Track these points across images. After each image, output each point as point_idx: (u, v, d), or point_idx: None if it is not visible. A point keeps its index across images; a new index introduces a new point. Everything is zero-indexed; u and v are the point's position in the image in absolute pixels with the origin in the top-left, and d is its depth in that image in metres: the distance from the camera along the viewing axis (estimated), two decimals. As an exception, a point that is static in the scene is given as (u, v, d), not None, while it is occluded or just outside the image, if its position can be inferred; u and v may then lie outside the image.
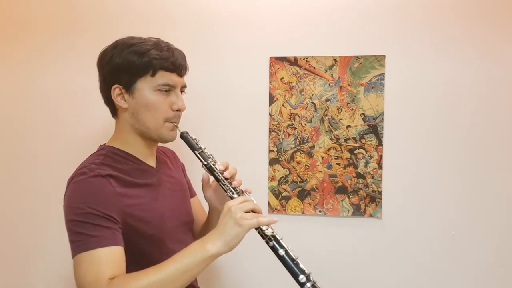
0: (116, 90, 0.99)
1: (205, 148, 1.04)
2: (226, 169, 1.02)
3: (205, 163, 1.02)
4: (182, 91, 1.07)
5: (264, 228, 0.91)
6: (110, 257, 0.86)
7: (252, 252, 1.44)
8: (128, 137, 1.03)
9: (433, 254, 1.36)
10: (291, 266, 0.89)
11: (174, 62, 1.00)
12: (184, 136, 1.05)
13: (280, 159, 1.41)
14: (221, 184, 1.00)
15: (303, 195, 1.40)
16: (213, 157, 1.03)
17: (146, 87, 0.98)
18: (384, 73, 1.35)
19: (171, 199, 1.07)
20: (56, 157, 1.50)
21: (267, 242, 0.92)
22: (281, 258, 0.90)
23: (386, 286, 1.38)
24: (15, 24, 1.49)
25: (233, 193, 0.98)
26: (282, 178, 1.41)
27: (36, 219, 1.52)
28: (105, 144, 1.06)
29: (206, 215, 1.22)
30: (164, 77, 0.99)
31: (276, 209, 1.42)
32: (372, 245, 1.38)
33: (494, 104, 1.31)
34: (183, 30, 1.42)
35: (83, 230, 0.87)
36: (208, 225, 1.17)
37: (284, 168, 1.41)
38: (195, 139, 1.05)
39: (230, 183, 1.00)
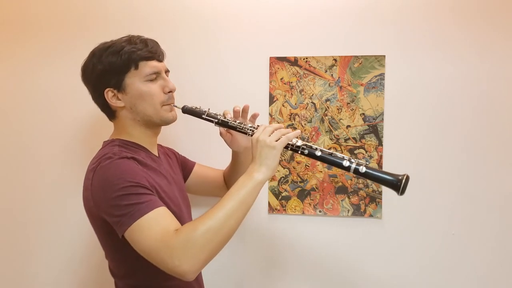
0: (109, 93, 1.05)
1: (209, 109, 1.12)
2: (236, 114, 1.12)
3: (215, 120, 1.09)
4: (166, 75, 1.12)
5: (293, 141, 1.00)
6: (165, 214, 0.91)
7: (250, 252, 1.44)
8: (132, 131, 1.08)
9: (433, 254, 1.36)
10: (331, 159, 0.98)
11: (150, 50, 1.06)
12: (186, 109, 1.13)
13: (280, 159, 1.41)
14: (239, 129, 1.08)
15: (303, 195, 1.40)
16: (219, 113, 1.11)
17: (135, 80, 1.04)
18: (384, 73, 1.35)
19: (175, 185, 1.13)
20: (57, 156, 1.50)
21: (301, 152, 1.00)
22: (319, 158, 0.99)
23: (386, 286, 1.38)
24: (16, 24, 1.50)
25: (252, 130, 1.05)
26: (282, 178, 1.41)
27: (38, 218, 1.52)
28: (110, 138, 1.09)
29: (217, 170, 1.35)
30: (147, 66, 1.05)
31: (276, 209, 1.42)
32: (372, 245, 1.38)
33: (494, 103, 1.31)
34: (183, 30, 1.42)
35: (131, 201, 0.89)
36: (235, 170, 1.26)
37: (284, 168, 1.41)
38: (196, 107, 1.13)
39: (246, 125, 1.08)
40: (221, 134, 1.17)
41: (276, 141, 0.96)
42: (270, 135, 0.97)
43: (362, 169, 0.95)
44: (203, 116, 1.10)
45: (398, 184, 0.92)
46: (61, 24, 1.48)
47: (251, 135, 1.03)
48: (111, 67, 1.03)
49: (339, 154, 0.98)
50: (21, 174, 1.52)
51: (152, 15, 1.43)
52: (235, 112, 1.12)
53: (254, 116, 1.16)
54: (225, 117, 1.09)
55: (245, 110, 1.13)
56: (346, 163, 0.96)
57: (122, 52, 1.02)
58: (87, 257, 1.51)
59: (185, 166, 1.32)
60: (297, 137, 1.01)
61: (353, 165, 0.96)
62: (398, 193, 0.93)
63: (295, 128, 1.39)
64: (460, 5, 1.31)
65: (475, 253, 1.34)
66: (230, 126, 1.08)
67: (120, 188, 0.90)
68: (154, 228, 0.87)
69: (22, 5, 1.49)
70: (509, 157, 1.31)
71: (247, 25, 1.40)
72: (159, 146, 1.26)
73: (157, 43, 1.11)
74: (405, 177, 0.92)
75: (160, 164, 1.11)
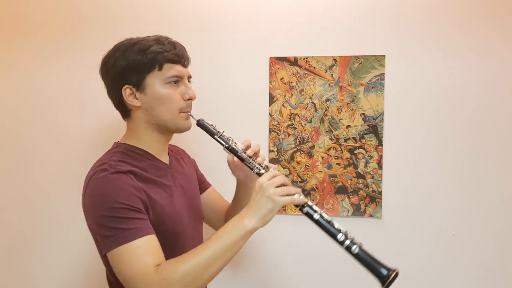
0: (127, 91, 1.01)
1: (224, 131, 1.05)
2: (247, 147, 1.04)
3: (226, 145, 1.03)
4: (189, 81, 1.09)
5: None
6: (149, 245, 0.88)
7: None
8: (143, 135, 1.05)
9: (433, 254, 1.36)
10: (328, 227, 0.92)
11: (177, 53, 1.03)
12: (201, 123, 1.07)
13: (280, 159, 1.41)
14: (246, 163, 1.02)
15: (303, 195, 1.40)
16: (232, 139, 1.05)
17: (156, 81, 1.01)
18: (384, 73, 1.35)
19: (184, 195, 1.10)
20: (56, 156, 1.50)
21: (301, 209, 0.95)
22: (316, 221, 0.93)
23: (386, 286, 1.38)
24: (16, 24, 1.49)
25: (259, 170, 1.00)
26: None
27: (37, 219, 1.52)
28: (119, 141, 1.07)
29: (225, 201, 1.28)
30: (171, 69, 1.02)
31: (276, 209, 1.41)
32: (372, 245, 1.38)
33: (494, 103, 1.31)
34: (183, 30, 1.42)
35: (117, 225, 0.88)
36: (237, 201, 1.20)
37: (284, 168, 1.41)
38: (212, 124, 1.07)
39: (254, 160, 1.02)
40: (228, 162, 1.10)
41: (280, 196, 0.91)
42: (276, 187, 0.91)
43: (355, 249, 0.90)
44: (215, 136, 1.04)
45: (385, 279, 0.86)
46: (60, 24, 1.47)
47: (256, 173, 1.00)
48: (135, 65, 0.99)
49: (336, 225, 0.93)
50: (19, 174, 1.52)
51: (152, 15, 1.43)
52: (255, 147, 1.04)
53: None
54: (236, 145, 1.03)
55: (257, 153, 1.05)
56: (340, 237, 0.91)
57: (149, 51, 0.99)
58: (89, 264, 1.50)
59: (200, 184, 1.26)
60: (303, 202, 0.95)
61: (347, 242, 0.90)
62: (382, 286, 0.87)
63: (294, 129, 1.39)
64: (460, 5, 1.31)
65: (475, 253, 1.34)
66: (239, 156, 1.02)
67: (108, 208, 0.89)
68: (135, 259, 0.86)
69: (20, 5, 1.49)
70: (509, 157, 1.31)
71: (247, 25, 1.40)
72: (180, 150, 1.25)
73: (184, 47, 1.08)
74: (394, 273, 0.87)
75: (166, 173, 1.07)
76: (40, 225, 1.52)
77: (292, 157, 1.41)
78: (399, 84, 1.35)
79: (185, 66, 1.07)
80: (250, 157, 1.02)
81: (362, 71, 1.36)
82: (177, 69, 1.03)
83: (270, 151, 1.41)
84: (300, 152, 1.40)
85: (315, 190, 1.40)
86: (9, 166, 1.53)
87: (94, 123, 1.47)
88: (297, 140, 1.40)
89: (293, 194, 0.94)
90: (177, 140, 1.30)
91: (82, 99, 1.47)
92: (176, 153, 1.20)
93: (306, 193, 1.40)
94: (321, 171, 1.39)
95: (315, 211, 0.94)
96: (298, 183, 1.40)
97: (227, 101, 1.42)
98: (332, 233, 0.92)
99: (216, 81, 1.42)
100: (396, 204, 1.37)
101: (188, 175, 1.17)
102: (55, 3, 1.47)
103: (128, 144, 1.04)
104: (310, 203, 0.96)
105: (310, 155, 1.40)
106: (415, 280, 1.37)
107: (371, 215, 1.38)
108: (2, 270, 1.54)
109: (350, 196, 1.39)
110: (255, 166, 1.01)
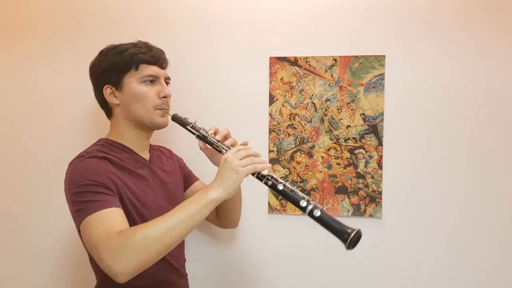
0: (107, 90, 1.11)
1: (195, 122, 1.13)
2: (216, 132, 1.10)
3: (197, 133, 1.10)
4: (167, 83, 1.16)
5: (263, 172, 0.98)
6: (115, 216, 0.93)
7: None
8: (123, 131, 1.13)
9: (433, 254, 1.36)
10: (291, 195, 0.96)
11: (154, 55, 1.12)
12: (175, 117, 1.15)
13: (280, 159, 1.41)
14: (215, 147, 1.08)
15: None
16: (204, 128, 1.11)
17: (132, 80, 1.09)
18: (384, 73, 1.34)
19: (160, 189, 1.15)
20: (54, 155, 1.50)
21: (265, 182, 0.98)
22: (281, 191, 0.96)
23: (386, 286, 1.38)
24: (14, 24, 1.50)
25: (226, 150, 1.05)
26: (282, 178, 1.41)
27: (36, 218, 1.52)
28: (101, 138, 1.15)
29: None
30: (147, 69, 1.10)
31: (276, 209, 1.42)
32: (372, 245, 1.38)
33: (494, 103, 1.31)
34: (183, 30, 1.42)
35: (85, 198, 0.94)
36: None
37: (284, 168, 1.41)
38: (185, 118, 1.15)
39: (223, 143, 1.07)
40: (200, 148, 1.15)
41: (243, 167, 0.94)
42: (240, 159, 0.95)
43: (317, 212, 0.92)
44: (187, 127, 1.12)
45: (345, 237, 0.89)
46: (60, 23, 1.48)
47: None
48: (113, 65, 1.09)
49: (300, 193, 0.96)
50: (18, 174, 1.52)
51: (151, 15, 1.43)
52: (223, 130, 1.11)
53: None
54: (206, 133, 1.09)
55: (227, 136, 1.12)
56: (303, 203, 0.93)
57: (126, 53, 1.08)
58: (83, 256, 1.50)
59: (187, 179, 1.31)
60: (267, 170, 0.98)
61: (310, 207, 0.93)
62: (345, 246, 0.90)
63: (294, 129, 1.39)
64: (460, 5, 1.31)
65: (475, 253, 1.34)
66: (208, 142, 1.09)
67: (79, 185, 0.95)
68: (100, 226, 0.90)
69: (20, 5, 1.49)
70: (509, 157, 1.31)
71: (247, 25, 1.40)
72: (166, 150, 1.29)
73: (162, 51, 1.17)
74: (354, 232, 0.89)
75: (144, 166, 1.13)
76: (39, 225, 1.52)
77: (292, 157, 1.41)
78: (399, 84, 1.35)
79: (162, 68, 1.16)
80: (218, 141, 1.07)
81: (362, 71, 1.36)
82: (153, 69, 1.11)
83: (270, 151, 1.41)
84: (300, 152, 1.40)
85: (315, 190, 1.40)
86: (8, 166, 1.53)
87: (94, 123, 1.47)
88: (297, 140, 1.40)
89: (256, 163, 0.96)
90: (167, 139, 1.32)
91: (82, 99, 1.47)
92: (159, 152, 1.26)
93: (306, 192, 1.40)
94: (321, 171, 1.39)
95: (279, 183, 0.97)
96: (298, 183, 1.40)
97: (227, 101, 1.42)
98: (295, 200, 0.95)
99: (216, 81, 1.42)
100: (396, 204, 1.37)
101: (170, 172, 1.22)
102: (55, 3, 1.47)
103: (109, 139, 1.14)
104: (274, 175, 0.99)
105: (310, 155, 1.40)
106: (415, 280, 1.37)
107: (371, 215, 1.38)
108: (1, 268, 1.55)
109: (350, 196, 1.39)
110: (223, 148, 1.06)
